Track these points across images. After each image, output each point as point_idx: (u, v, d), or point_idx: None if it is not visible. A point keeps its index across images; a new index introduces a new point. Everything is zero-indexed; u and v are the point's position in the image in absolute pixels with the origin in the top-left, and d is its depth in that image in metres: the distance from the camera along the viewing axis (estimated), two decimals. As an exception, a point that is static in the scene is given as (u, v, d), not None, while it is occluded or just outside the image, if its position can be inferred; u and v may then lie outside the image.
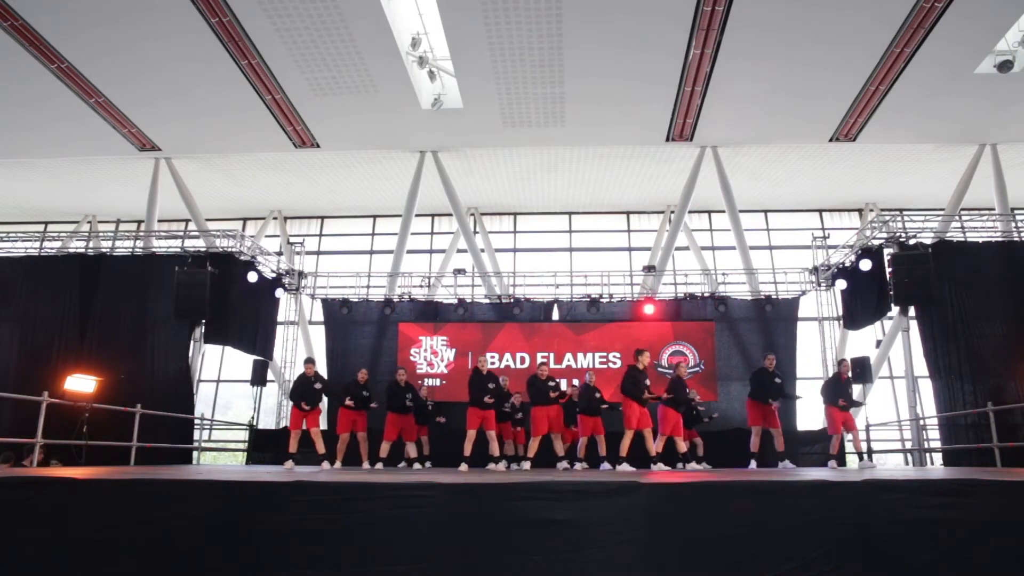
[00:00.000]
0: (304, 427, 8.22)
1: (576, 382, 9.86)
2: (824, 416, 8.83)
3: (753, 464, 8.50)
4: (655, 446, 7.62)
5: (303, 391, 8.20)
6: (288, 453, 8.14)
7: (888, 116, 11.57)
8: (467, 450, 7.66)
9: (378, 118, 11.97)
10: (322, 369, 12.69)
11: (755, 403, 8.55)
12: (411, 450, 9.04)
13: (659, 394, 7.88)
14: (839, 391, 8.46)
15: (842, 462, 9.61)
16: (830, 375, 9.70)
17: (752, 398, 8.63)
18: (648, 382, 7.70)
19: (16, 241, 12.22)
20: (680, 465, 8.27)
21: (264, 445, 11.19)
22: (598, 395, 8.49)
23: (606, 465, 8.32)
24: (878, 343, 12.28)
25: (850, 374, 8.77)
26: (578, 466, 8.55)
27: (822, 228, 15.37)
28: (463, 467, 7.56)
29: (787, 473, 6.93)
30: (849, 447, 9.37)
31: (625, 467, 7.52)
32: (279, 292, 12.66)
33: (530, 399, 8.14)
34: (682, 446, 7.96)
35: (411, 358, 12.16)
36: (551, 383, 8.10)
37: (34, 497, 3.65)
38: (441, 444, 9.78)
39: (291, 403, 8.35)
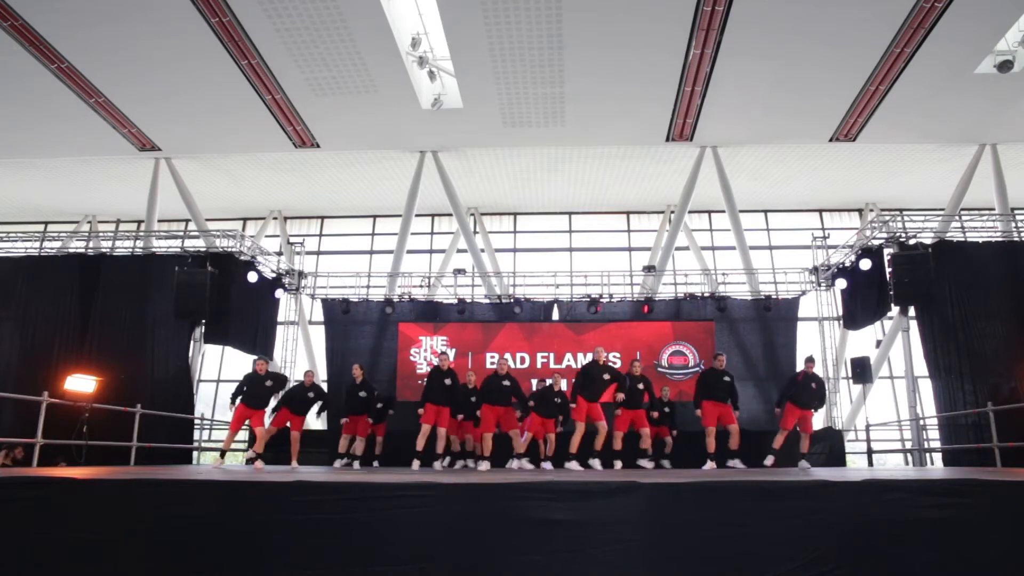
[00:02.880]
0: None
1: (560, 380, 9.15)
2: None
3: (710, 464, 7.85)
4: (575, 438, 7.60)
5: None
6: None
7: (888, 116, 11.56)
8: (419, 445, 7.52)
9: (378, 118, 11.96)
10: (322, 369, 12.79)
11: (707, 403, 8.05)
12: (359, 447, 8.92)
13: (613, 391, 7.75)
14: (790, 389, 8.18)
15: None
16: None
17: (703, 399, 8.12)
18: (607, 376, 7.59)
19: (16, 241, 12.19)
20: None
21: (264, 445, 11.16)
22: (559, 400, 8.15)
23: (548, 465, 8.25)
24: (878, 343, 12.26)
25: (811, 372, 8.18)
26: (524, 462, 8.13)
27: (822, 228, 15.36)
28: (445, 462, 7.46)
29: (787, 473, 6.92)
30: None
31: (618, 465, 7.50)
32: (279, 292, 12.65)
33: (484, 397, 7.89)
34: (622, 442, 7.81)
35: (411, 358, 12.15)
36: (505, 383, 7.76)
37: (34, 497, 3.65)
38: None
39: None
